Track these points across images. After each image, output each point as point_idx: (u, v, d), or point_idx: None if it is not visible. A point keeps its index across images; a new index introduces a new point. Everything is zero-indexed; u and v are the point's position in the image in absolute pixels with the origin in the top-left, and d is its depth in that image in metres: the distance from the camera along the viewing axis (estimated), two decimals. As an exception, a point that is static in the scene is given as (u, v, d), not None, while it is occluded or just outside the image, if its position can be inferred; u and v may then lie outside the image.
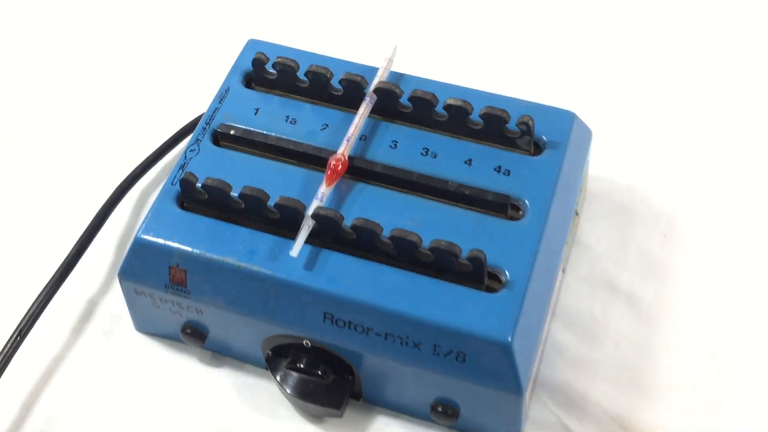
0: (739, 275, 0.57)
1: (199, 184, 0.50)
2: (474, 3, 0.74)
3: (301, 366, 0.50)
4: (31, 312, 0.53)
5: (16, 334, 0.52)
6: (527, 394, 0.48)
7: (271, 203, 0.49)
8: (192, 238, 0.50)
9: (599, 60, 0.69)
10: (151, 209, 0.51)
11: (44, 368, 0.54)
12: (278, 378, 0.51)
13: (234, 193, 0.50)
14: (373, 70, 0.55)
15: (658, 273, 0.57)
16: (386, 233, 0.48)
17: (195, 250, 0.49)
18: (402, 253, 0.48)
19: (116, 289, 0.57)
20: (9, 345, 0.52)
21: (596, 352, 0.54)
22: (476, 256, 0.46)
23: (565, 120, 0.54)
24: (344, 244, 0.49)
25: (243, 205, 0.50)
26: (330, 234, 0.49)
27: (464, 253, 0.47)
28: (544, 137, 0.53)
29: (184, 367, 0.54)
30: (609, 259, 0.58)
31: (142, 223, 0.50)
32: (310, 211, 0.48)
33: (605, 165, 0.61)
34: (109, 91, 0.69)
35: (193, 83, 0.67)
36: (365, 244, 0.48)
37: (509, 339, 0.46)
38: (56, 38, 0.73)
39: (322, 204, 0.49)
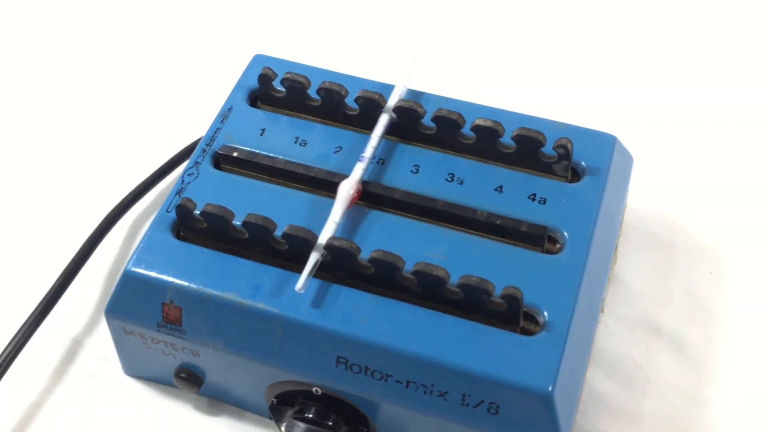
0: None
1: (197, 212, 0.45)
2: (503, 18, 0.68)
3: (310, 416, 0.45)
4: (8, 351, 0.47)
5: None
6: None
7: (278, 233, 0.44)
8: (188, 272, 0.44)
9: (640, 84, 0.64)
10: (143, 239, 0.45)
11: (21, 413, 0.48)
12: (283, 429, 0.45)
13: (236, 222, 0.44)
14: (390, 88, 0.50)
15: (705, 313, 0.52)
16: (408, 268, 0.43)
17: (192, 285, 0.44)
18: (426, 291, 0.42)
19: (103, 328, 0.52)
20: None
21: (638, 401, 0.48)
22: (512, 294, 0.41)
23: (606, 144, 0.48)
24: (360, 279, 0.43)
25: (246, 235, 0.44)
26: (344, 268, 0.43)
27: (497, 291, 0.42)
28: (582, 163, 0.48)
29: (178, 415, 0.49)
30: (650, 298, 0.52)
31: (133, 255, 0.45)
32: (321, 241, 0.43)
33: (643, 196, 0.56)
34: (101, 111, 0.63)
35: (193, 104, 0.62)
36: (384, 279, 0.43)
37: (550, 388, 0.40)
38: (49, 55, 0.67)
39: (333, 234, 0.44)
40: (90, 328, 0.52)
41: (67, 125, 0.62)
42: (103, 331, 0.52)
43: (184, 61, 0.66)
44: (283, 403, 0.46)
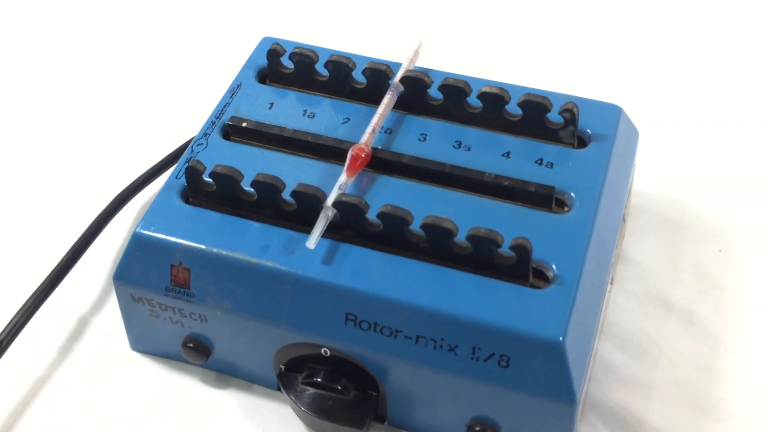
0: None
1: (206, 177, 0.45)
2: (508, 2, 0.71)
3: (319, 380, 0.44)
4: (13, 323, 0.47)
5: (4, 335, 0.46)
6: (579, 410, 0.41)
7: (286, 195, 0.44)
8: (197, 233, 0.44)
9: (648, 62, 0.65)
10: (152, 204, 0.46)
11: (28, 388, 0.48)
12: (292, 396, 0.45)
13: (246, 188, 0.45)
14: (397, 66, 0.51)
15: (715, 289, 0.51)
16: (416, 227, 0.43)
17: (200, 246, 0.43)
18: (435, 246, 0.42)
19: (109, 307, 0.52)
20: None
21: (651, 371, 0.48)
22: (521, 244, 0.41)
23: (612, 114, 0.49)
24: (369, 237, 0.43)
25: (255, 197, 0.44)
26: (353, 226, 0.43)
27: (506, 247, 0.42)
28: (588, 130, 0.48)
29: (186, 389, 0.48)
30: (659, 275, 0.52)
31: (142, 219, 0.45)
32: (330, 201, 0.43)
33: (650, 180, 0.56)
34: (112, 98, 0.64)
35: (194, 104, 0.62)
36: (393, 236, 0.43)
37: (561, 338, 0.40)
38: (57, 44, 0.69)
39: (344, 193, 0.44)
40: (97, 307, 0.52)
41: (78, 122, 0.63)
42: (109, 310, 0.52)
43: (186, 61, 0.67)
44: (291, 371, 0.45)
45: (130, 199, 0.54)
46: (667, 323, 0.50)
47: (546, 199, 0.44)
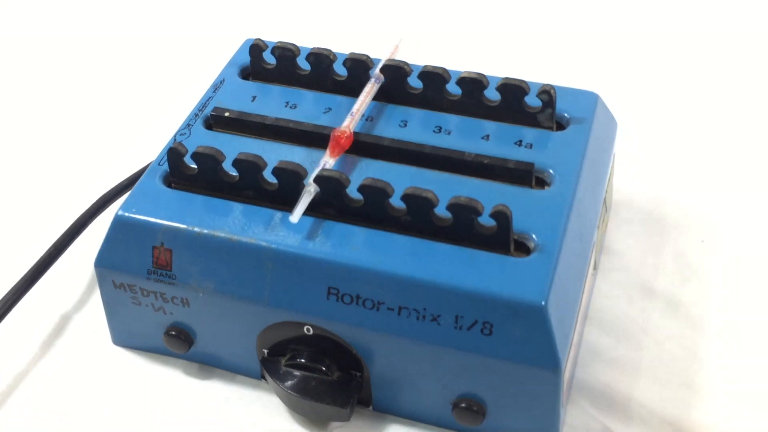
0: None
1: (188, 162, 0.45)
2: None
3: (302, 361, 0.44)
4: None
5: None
6: (564, 382, 0.41)
7: (268, 175, 0.44)
8: (179, 214, 0.44)
9: (625, 56, 0.68)
10: (134, 188, 0.46)
11: (7, 383, 0.47)
12: (276, 378, 0.44)
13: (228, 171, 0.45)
14: (378, 62, 0.52)
15: (698, 276, 0.52)
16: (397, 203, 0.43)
17: (182, 225, 0.44)
18: (416, 218, 0.42)
19: (91, 304, 0.52)
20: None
21: (637, 353, 0.48)
22: (501, 211, 0.41)
23: (589, 101, 0.50)
24: (350, 213, 0.43)
25: (237, 178, 0.44)
26: (334, 202, 0.43)
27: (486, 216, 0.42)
28: (566, 114, 0.49)
29: (169, 381, 0.48)
30: (643, 264, 0.52)
31: (124, 202, 0.45)
32: (311, 177, 0.43)
33: (630, 178, 0.57)
34: (97, 101, 0.66)
35: (192, 97, 0.63)
36: (374, 210, 0.43)
37: (543, 302, 0.39)
38: (46, 46, 0.72)
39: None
40: (79, 304, 0.51)
41: (71, 123, 0.65)
42: (91, 307, 0.51)
43: (172, 66, 0.69)
44: (274, 355, 0.45)
45: (115, 200, 0.54)
46: (652, 307, 0.50)
47: (526, 175, 0.45)
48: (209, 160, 0.44)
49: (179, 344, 0.47)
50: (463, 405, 0.42)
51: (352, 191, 0.43)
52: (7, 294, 0.48)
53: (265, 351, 0.45)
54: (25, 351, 0.49)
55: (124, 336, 0.49)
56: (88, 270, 0.53)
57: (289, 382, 0.44)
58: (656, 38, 0.70)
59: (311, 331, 0.43)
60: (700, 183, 0.57)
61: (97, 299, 0.51)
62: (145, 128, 0.62)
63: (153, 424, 0.46)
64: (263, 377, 0.47)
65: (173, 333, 0.46)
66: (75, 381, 0.48)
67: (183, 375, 0.48)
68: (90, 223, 0.53)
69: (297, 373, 0.44)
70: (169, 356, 0.48)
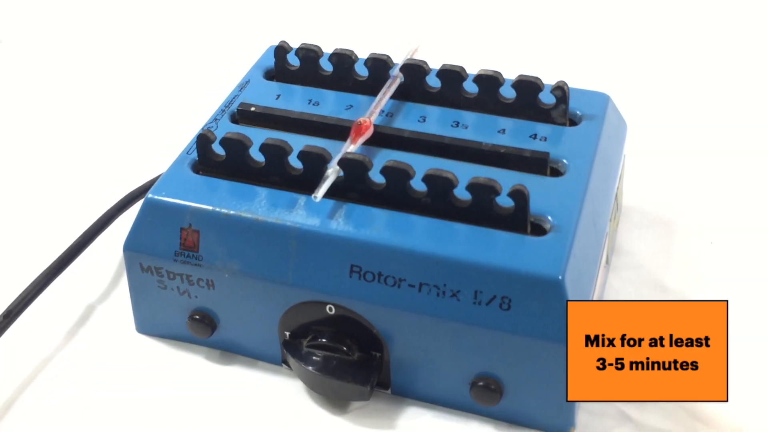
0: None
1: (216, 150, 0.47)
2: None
3: (324, 341, 0.45)
4: (22, 297, 0.48)
5: (2, 316, 0.47)
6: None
7: (293, 160, 0.46)
8: (207, 197, 0.46)
9: (635, 74, 0.71)
10: (163, 174, 0.47)
11: (34, 366, 0.49)
12: (298, 359, 0.45)
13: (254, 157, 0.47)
14: (397, 65, 0.54)
15: (708, 276, 0.53)
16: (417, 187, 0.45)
17: (210, 207, 0.45)
18: (436, 199, 0.44)
19: (116, 295, 0.53)
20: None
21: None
22: (518, 190, 0.42)
23: (601, 101, 0.51)
24: (372, 196, 0.45)
25: (263, 164, 0.46)
26: (357, 187, 0.45)
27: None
28: (578, 112, 0.50)
29: (191, 367, 0.49)
30: (654, 263, 0.54)
31: (153, 186, 0.47)
32: (335, 161, 0.45)
33: (640, 184, 0.59)
34: (130, 104, 0.70)
35: (214, 100, 0.65)
36: (395, 193, 0.44)
37: (560, 276, 0.41)
38: (85, 52, 0.77)
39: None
40: (104, 296, 0.53)
41: (106, 125, 0.69)
42: (116, 298, 0.53)
43: (202, 73, 0.73)
44: (296, 338, 0.46)
45: (142, 197, 0.56)
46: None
47: (541, 163, 0.46)
48: (237, 145, 0.46)
49: (202, 329, 0.48)
50: (481, 383, 0.44)
51: (374, 175, 0.45)
52: (32, 283, 0.50)
53: (287, 333, 0.46)
54: (51, 338, 0.50)
55: (149, 323, 0.50)
56: (114, 261, 0.54)
57: (311, 362, 0.45)
58: (665, 43, 0.75)
59: (333, 311, 0.44)
60: (708, 186, 0.59)
61: (120, 291, 0.53)
62: (174, 130, 0.64)
63: (174, 408, 0.47)
64: (284, 362, 0.48)
65: (197, 317, 0.48)
66: (99, 367, 0.49)
67: (205, 360, 0.49)
68: (117, 217, 0.54)
69: (318, 353, 0.45)
70: (191, 343, 0.49)
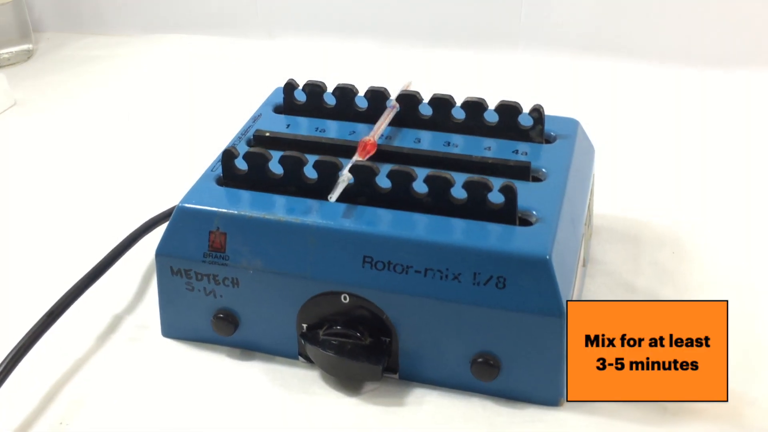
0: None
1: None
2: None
3: (338, 328, 0.50)
4: (62, 301, 0.53)
5: (45, 316, 0.52)
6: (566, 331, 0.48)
7: (308, 171, 0.52)
8: (233, 203, 0.52)
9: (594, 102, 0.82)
10: (190, 188, 0.53)
11: (67, 369, 0.53)
12: (315, 346, 0.50)
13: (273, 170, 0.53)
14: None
15: (673, 279, 0.60)
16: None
17: (236, 211, 0.51)
18: (436, 199, 0.50)
19: (143, 307, 0.58)
20: (37, 327, 0.52)
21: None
22: (508, 186, 0.49)
23: (571, 125, 0.59)
24: (379, 200, 0.51)
25: (281, 175, 0.52)
26: (365, 190, 0.51)
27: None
28: (552, 133, 0.58)
29: (214, 364, 0.53)
30: (624, 270, 0.60)
31: (183, 198, 0.53)
32: (347, 168, 0.51)
33: (607, 207, 0.66)
34: (159, 137, 0.80)
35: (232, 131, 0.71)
36: (400, 194, 0.51)
37: (547, 256, 0.47)
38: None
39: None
40: (131, 306, 0.58)
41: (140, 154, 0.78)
42: (143, 309, 0.58)
43: (224, 107, 0.84)
44: (312, 329, 0.51)
45: (163, 222, 0.62)
46: (635, 299, 0.58)
47: (524, 171, 0.53)
48: (259, 158, 0.52)
49: (226, 327, 0.53)
50: (480, 360, 0.49)
51: (381, 180, 0.51)
52: (70, 288, 0.55)
53: (305, 326, 0.52)
54: (81, 345, 0.55)
55: (174, 326, 0.55)
56: (140, 273, 0.60)
57: (328, 347, 0.50)
58: (628, 73, 0.87)
59: (347, 299, 0.50)
60: (669, 205, 0.67)
61: (148, 302, 0.58)
62: (191, 164, 0.70)
63: (197, 402, 0.51)
64: (300, 355, 0.53)
65: (221, 316, 0.53)
66: (128, 367, 0.54)
67: (227, 358, 0.54)
68: (142, 237, 0.60)
69: (334, 340, 0.51)
70: (213, 344, 0.54)
